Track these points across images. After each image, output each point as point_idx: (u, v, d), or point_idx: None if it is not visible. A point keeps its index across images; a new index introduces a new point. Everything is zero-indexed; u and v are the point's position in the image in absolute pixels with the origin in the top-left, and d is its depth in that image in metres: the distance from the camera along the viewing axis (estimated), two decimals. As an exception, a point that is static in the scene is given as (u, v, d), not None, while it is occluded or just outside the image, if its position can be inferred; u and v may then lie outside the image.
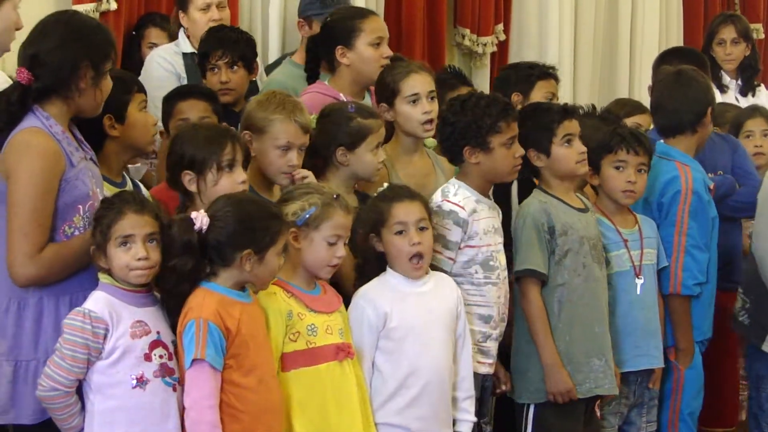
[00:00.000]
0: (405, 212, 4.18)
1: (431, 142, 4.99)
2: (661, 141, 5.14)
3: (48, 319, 3.75)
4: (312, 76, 5.27)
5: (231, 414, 3.68)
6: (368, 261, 4.25)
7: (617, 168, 4.82)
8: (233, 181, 3.98)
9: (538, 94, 5.35)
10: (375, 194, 4.33)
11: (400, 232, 4.18)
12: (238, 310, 3.72)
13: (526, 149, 4.61)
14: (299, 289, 3.99)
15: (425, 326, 4.18)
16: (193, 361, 3.63)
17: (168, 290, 3.71)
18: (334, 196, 4.04)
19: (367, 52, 5.06)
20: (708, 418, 5.36)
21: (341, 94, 4.93)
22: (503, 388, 4.65)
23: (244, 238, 3.71)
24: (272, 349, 3.84)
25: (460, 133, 4.47)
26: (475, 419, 4.35)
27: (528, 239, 4.57)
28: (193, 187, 3.98)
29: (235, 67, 5.26)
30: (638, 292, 4.83)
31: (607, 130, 4.92)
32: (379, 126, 4.55)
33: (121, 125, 4.23)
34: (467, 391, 4.33)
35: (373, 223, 4.20)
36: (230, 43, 5.29)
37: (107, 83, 3.92)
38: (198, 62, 5.38)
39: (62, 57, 3.82)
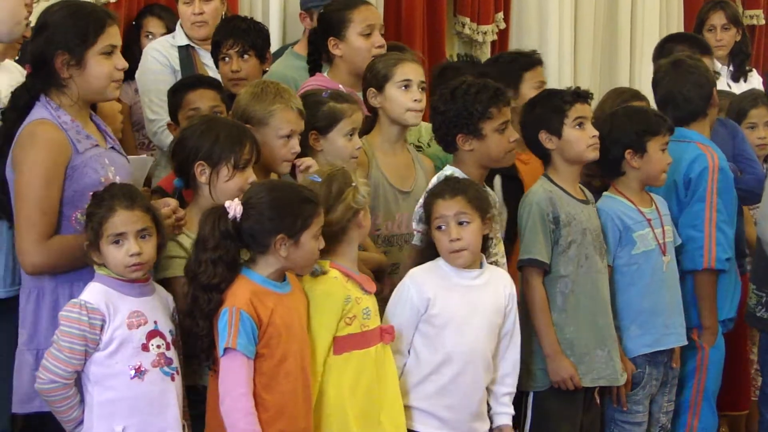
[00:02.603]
0: (443, 208, 4.20)
1: (427, 130, 5.01)
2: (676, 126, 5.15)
3: (63, 307, 3.75)
4: (314, 69, 5.27)
5: (259, 402, 3.69)
6: (427, 246, 4.29)
7: (662, 150, 4.86)
8: (245, 179, 4.00)
9: (528, 86, 5.24)
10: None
11: (440, 227, 4.21)
12: (272, 301, 3.74)
13: (538, 132, 4.64)
14: (353, 272, 4.03)
15: (466, 318, 4.19)
16: (226, 349, 3.66)
17: (209, 284, 3.69)
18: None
19: (357, 42, 5.06)
20: (722, 403, 5.38)
21: (340, 86, 4.89)
22: None
23: (276, 223, 3.73)
24: (308, 341, 3.86)
25: (451, 121, 4.49)
26: (513, 412, 4.37)
27: (532, 228, 4.58)
28: (203, 179, 3.99)
29: (246, 56, 5.23)
30: (665, 270, 4.85)
31: (640, 112, 4.97)
32: (352, 111, 4.52)
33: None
34: (510, 386, 4.34)
35: (426, 217, 4.26)
36: (240, 32, 5.27)
37: (100, 65, 3.86)
38: (211, 52, 5.37)
39: (35, 51, 3.87)
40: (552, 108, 4.68)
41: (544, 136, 4.66)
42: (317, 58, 5.24)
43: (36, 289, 3.82)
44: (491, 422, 4.32)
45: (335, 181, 4.00)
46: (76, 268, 3.79)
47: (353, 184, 4.03)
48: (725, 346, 5.17)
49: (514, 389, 4.36)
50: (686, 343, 4.93)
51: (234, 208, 3.73)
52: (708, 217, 4.99)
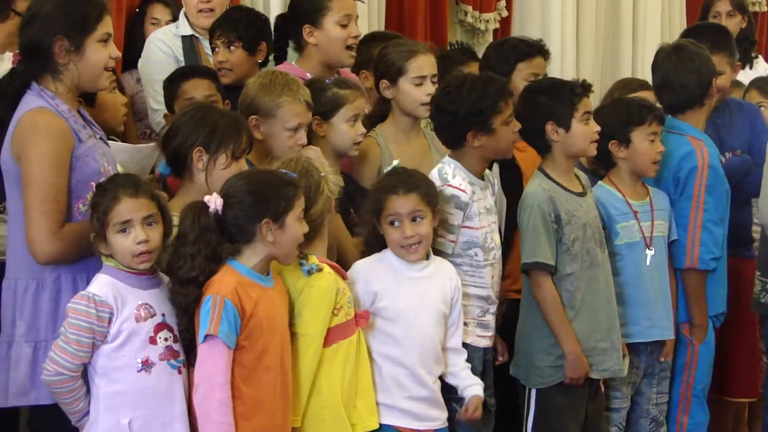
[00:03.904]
0: (398, 205, 4.17)
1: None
2: (669, 116, 5.12)
3: (66, 298, 3.75)
4: (280, 56, 5.24)
5: (237, 395, 3.68)
6: (373, 238, 4.27)
7: (650, 140, 4.83)
8: (239, 169, 3.99)
9: (519, 77, 5.15)
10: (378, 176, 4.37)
11: (392, 223, 4.19)
12: (256, 293, 3.72)
13: (543, 122, 4.60)
14: (331, 262, 4.04)
15: (416, 311, 4.19)
16: (206, 336, 3.64)
17: (186, 278, 3.69)
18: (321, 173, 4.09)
19: (334, 32, 4.98)
20: (729, 389, 5.42)
21: (308, 75, 4.86)
22: (500, 359, 4.67)
23: (259, 207, 3.72)
24: (288, 337, 3.84)
25: (462, 119, 4.41)
26: (482, 383, 4.37)
27: (535, 230, 4.55)
28: (200, 165, 3.98)
29: (233, 47, 5.20)
30: (648, 263, 4.83)
31: (624, 103, 4.96)
32: (355, 97, 4.53)
33: (91, 108, 4.26)
34: (463, 363, 4.32)
35: (373, 209, 4.23)
36: (228, 22, 5.24)
37: (97, 52, 3.87)
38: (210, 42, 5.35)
39: (29, 39, 3.85)
40: (562, 99, 4.63)
41: (550, 128, 4.61)
42: (284, 44, 5.21)
43: (35, 280, 3.80)
44: (463, 400, 4.33)
45: (312, 175, 4.00)
46: (85, 256, 3.78)
47: (323, 174, 4.03)
48: (734, 330, 5.21)
49: (467, 364, 4.35)
50: (673, 337, 4.92)
51: (214, 201, 3.71)
52: (693, 216, 4.97)
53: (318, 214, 3.98)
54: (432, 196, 4.24)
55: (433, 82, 4.76)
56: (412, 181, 4.23)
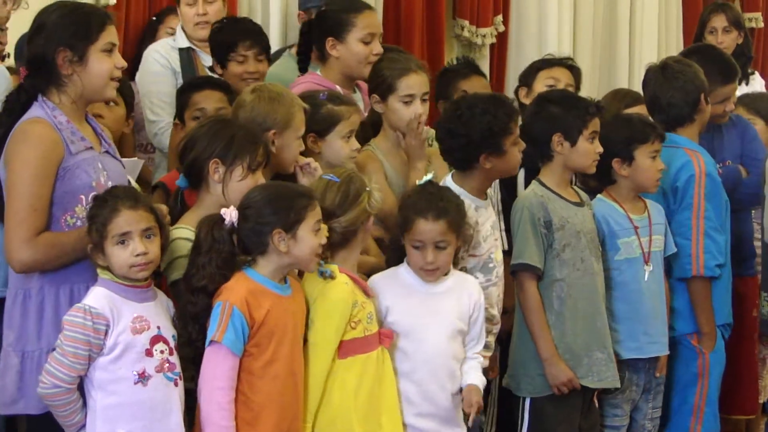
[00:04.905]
0: (424, 231, 4.15)
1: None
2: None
3: (48, 309, 3.77)
4: (303, 60, 5.27)
5: (243, 401, 3.72)
6: (398, 248, 4.27)
7: (652, 157, 4.84)
8: (255, 182, 4.01)
9: (539, 82, 5.36)
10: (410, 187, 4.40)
11: (417, 246, 4.18)
12: (269, 301, 3.75)
13: (552, 133, 4.61)
14: (357, 276, 4.05)
15: (426, 326, 4.17)
16: (211, 342, 3.68)
17: (196, 287, 3.73)
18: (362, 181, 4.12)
19: (357, 48, 5.02)
20: (728, 406, 5.40)
21: (337, 87, 4.88)
22: (490, 374, 4.66)
23: (271, 218, 3.76)
24: (301, 346, 3.86)
25: (476, 142, 4.41)
26: (483, 379, 4.31)
27: (523, 233, 4.56)
28: (216, 177, 4.00)
29: (261, 58, 5.23)
30: (646, 279, 4.83)
31: (626, 121, 4.96)
32: (350, 113, 4.53)
33: None
34: (471, 356, 4.29)
35: (400, 225, 4.22)
36: (256, 34, 5.27)
37: (101, 62, 3.86)
38: (217, 52, 5.30)
39: (34, 52, 3.86)
40: (574, 114, 4.63)
41: (556, 139, 4.62)
42: (308, 49, 5.24)
43: (23, 290, 3.80)
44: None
45: (354, 184, 4.02)
46: (65, 265, 3.78)
47: (368, 188, 4.04)
48: (733, 347, 5.20)
49: (477, 356, 4.30)
50: (668, 353, 4.92)
51: (230, 214, 3.76)
52: (695, 224, 4.98)
53: (348, 223, 3.99)
54: (459, 222, 4.21)
55: (424, 101, 4.76)
56: (442, 205, 4.19)
